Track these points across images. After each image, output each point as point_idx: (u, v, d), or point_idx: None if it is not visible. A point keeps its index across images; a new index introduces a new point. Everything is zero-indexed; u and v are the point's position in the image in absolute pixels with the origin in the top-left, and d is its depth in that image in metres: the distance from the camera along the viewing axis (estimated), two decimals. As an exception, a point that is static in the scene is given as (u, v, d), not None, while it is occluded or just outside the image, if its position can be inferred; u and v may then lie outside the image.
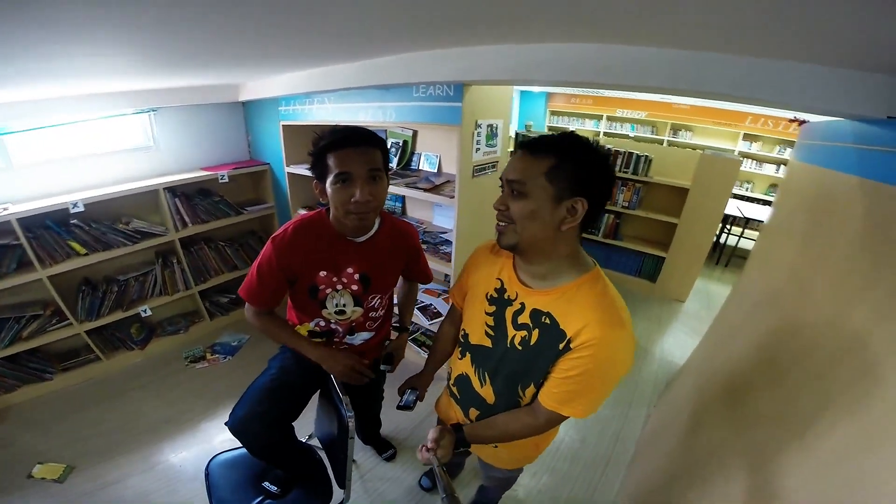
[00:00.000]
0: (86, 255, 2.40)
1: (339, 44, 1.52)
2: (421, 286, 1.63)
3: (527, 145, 0.83)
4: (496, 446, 1.12)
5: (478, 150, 1.99)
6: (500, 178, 0.88)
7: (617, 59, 1.34)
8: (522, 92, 7.87)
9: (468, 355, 1.06)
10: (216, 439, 2.15)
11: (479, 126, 1.95)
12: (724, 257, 4.90)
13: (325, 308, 1.27)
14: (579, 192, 0.80)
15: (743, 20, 0.90)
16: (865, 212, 1.07)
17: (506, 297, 0.96)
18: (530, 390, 0.95)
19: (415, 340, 2.67)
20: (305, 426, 1.83)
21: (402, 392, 1.28)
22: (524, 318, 0.92)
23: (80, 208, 2.29)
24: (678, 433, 1.68)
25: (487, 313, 1.00)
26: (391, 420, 2.12)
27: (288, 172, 2.98)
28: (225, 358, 2.84)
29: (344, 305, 1.27)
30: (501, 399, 1.01)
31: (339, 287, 1.24)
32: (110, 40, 1.14)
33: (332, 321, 1.30)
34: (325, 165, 1.08)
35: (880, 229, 0.96)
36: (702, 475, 1.26)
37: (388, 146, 1.74)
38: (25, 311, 2.31)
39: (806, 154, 1.74)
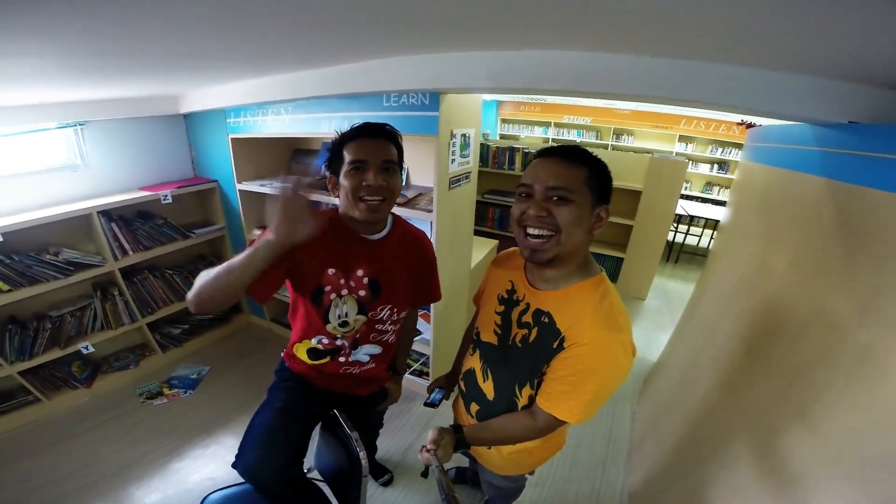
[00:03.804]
0: (9, 291, 2.09)
1: (300, 49, 1.41)
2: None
3: (558, 153, 0.86)
4: (489, 447, 1.14)
5: (453, 160, 1.94)
6: (526, 185, 0.87)
7: (597, 66, 1.34)
8: (473, 100, 7.99)
9: (478, 352, 1.11)
10: (192, 479, 1.97)
11: (455, 136, 1.90)
12: (673, 254, 5.19)
13: (329, 322, 1.17)
14: (604, 201, 0.86)
15: (718, 31, 0.93)
16: (836, 209, 1.13)
17: (515, 297, 1.01)
18: (526, 390, 0.98)
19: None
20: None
21: (430, 390, 1.31)
22: (527, 317, 0.96)
23: (-1, 239, 1.99)
24: (675, 426, 1.73)
25: (497, 312, 1.04)
26: (381, 445, 2.06)
27: (240, 190, 2.77)
28: (185, 392, 2.59)
29: (346, 315, 1.18)
30: (500, 396, 1.04)
31: (345, 292, 1.15)
32: (23, 37, 0.97)
33: (338, 336, 1.21)
34: (340, 158, 1.09)
35: (851, 225, 1.03)
36: (711, 462, 1.30)
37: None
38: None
39: (762, 156, 1.85)
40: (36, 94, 1.93)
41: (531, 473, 1.29)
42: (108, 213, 2.45)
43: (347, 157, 1.07)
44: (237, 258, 0.95)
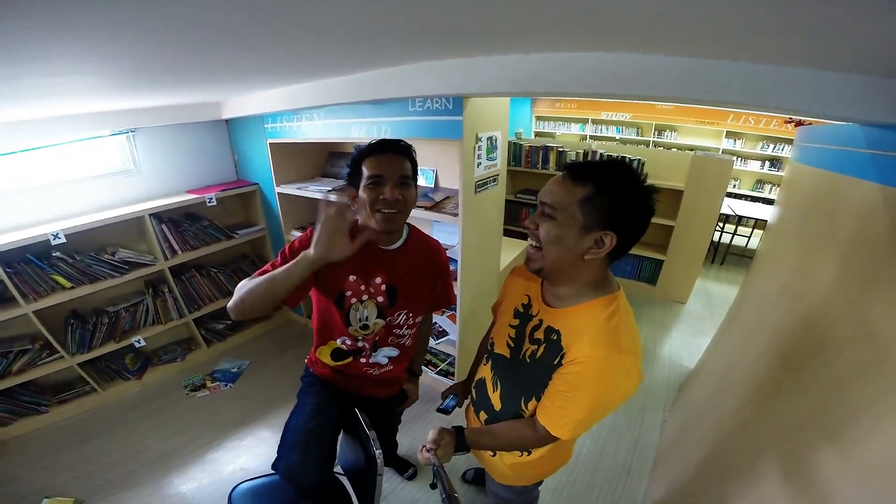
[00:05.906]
0: (72, 288, 2.29)
1: (328, 56, 1.45)
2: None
3: (570, 168, 0.84)
4: (494, 454, 1.15)
5: (479, 164, 1.94)
6: (537, 197, 0.89)
7: (626, 68, 1.30)
8: (508, 98, 7.89)
9: (490, 362, 1.12)
10: (226, 469, 2.09)
11: (480, 139, 1.90)
12: (718, 256, 4.93)
13: (350, 325, 1.24)
14: (610, 226, 0.80)
15: (760, 28, 0.88)
16: (891, 218, 1.05)
17: (530, 313, 1.01)
18: (532, 403, 0.98)
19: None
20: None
21: (444, 397, 1.35)
22: (539, 334, 0.96)
23: (62, 239, 2.18)
24: (704, 437, 1.66)
25: (511, 326, 1.05)
26: (403, 443, 2.11)
27: (278, 192, 2.89)
28: (226, 385, 2.75)
29: (367, 318, 1.24)
30: (506, 407, 1.05)
31: (365, 297, 1.22)
32: (79, 53, 1.03)
33: (359, 338, 1.27)
34: (359, 173, 1.15)
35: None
36: (736, 477, 1.25)
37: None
38: (13, 346, 2.22)
39: (811, 157, 1.73)
40: (90, 105, 2.09)
41: (538, 485, 1.27)
42: (158, 216, 2.63)
43: (366, 172, 1.13)
44: (277, 272, 1.03)
